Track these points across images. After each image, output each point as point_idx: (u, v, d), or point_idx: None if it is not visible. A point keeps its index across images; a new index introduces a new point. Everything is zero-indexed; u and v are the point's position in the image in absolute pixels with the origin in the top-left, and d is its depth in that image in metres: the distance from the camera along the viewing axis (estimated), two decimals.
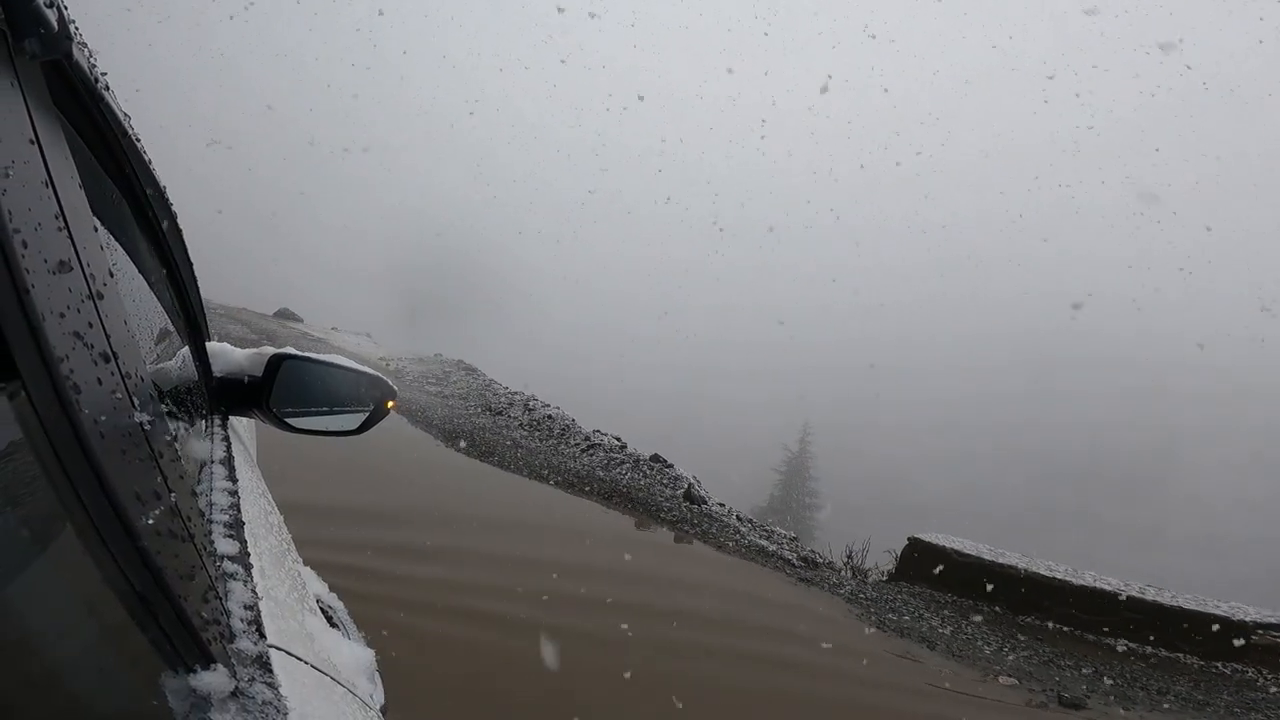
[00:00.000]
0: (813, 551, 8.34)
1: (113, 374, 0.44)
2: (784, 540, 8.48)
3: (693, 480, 9.26)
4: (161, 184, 0.96)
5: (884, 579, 7.98)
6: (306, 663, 0.77)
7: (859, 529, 9.01)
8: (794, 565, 7.34)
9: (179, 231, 1.13)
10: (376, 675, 1.31)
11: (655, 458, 9.86)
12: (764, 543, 7.90)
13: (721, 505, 9.00)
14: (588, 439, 10.33)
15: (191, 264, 1.28)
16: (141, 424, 0.48)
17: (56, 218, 0.41)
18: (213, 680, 0.50)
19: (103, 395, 0.42)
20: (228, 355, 1.48)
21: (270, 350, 1.48)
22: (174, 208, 1.05)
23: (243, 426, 1.75)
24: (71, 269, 0.41)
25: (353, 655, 1.03)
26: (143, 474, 0.46)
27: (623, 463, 9.55)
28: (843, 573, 7.81)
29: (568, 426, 10.82)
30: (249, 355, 1.49)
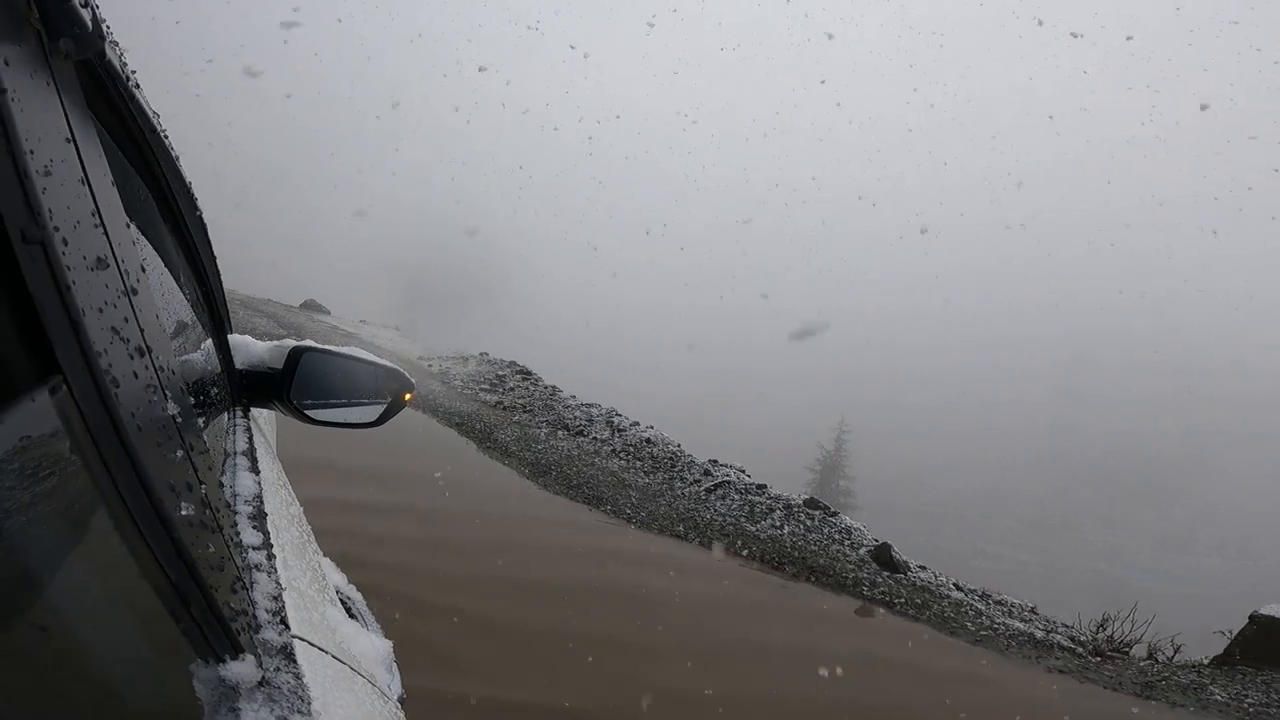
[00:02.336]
0: (1064, 625, 6.63)
1: (148, 368, 0.45)
2: (1027, 614, 6.64)
3: (866, 533, 7.53)
4: (188, 180, 0.97)
5: (1204, 663, 6.17)
6: (328, 653, 0.78)
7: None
8: (1079, 654, 5.63)
9: (204, 227, 1.14)
10: (394, 666, 1.33)
11: (811, 502, 8.03)
12: (1018, 624, 6.06)
13: (923, 568, 7.17)
14: (707, 473, 8.39)
15: (215, 258, 1.29)
16: (174, 416, 0.49)
17: (93, 215, 0.42)
18: (241, 670, 0.51)
19: (139, 389, 0.43)
20: (249, 348, 1.50)
21: (290, 343, 1.50)
22: (199, 203, 1.06)
23: (263, 418, 1.77)
24: (108, 266, 0.42)
25: (371, 646, 1.04)
26: (176, 466, 0.47)
27: (771, 510, 7.58)
28: (1145, 660, 5.94)
29: (675, 454, 8.91)
30: (270, 348, 1.51)
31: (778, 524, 7.38)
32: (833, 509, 7.98)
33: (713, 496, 7.87)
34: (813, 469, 40.17)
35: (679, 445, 9.28)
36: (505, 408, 10.56)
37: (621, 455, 8.94)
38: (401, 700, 1.19)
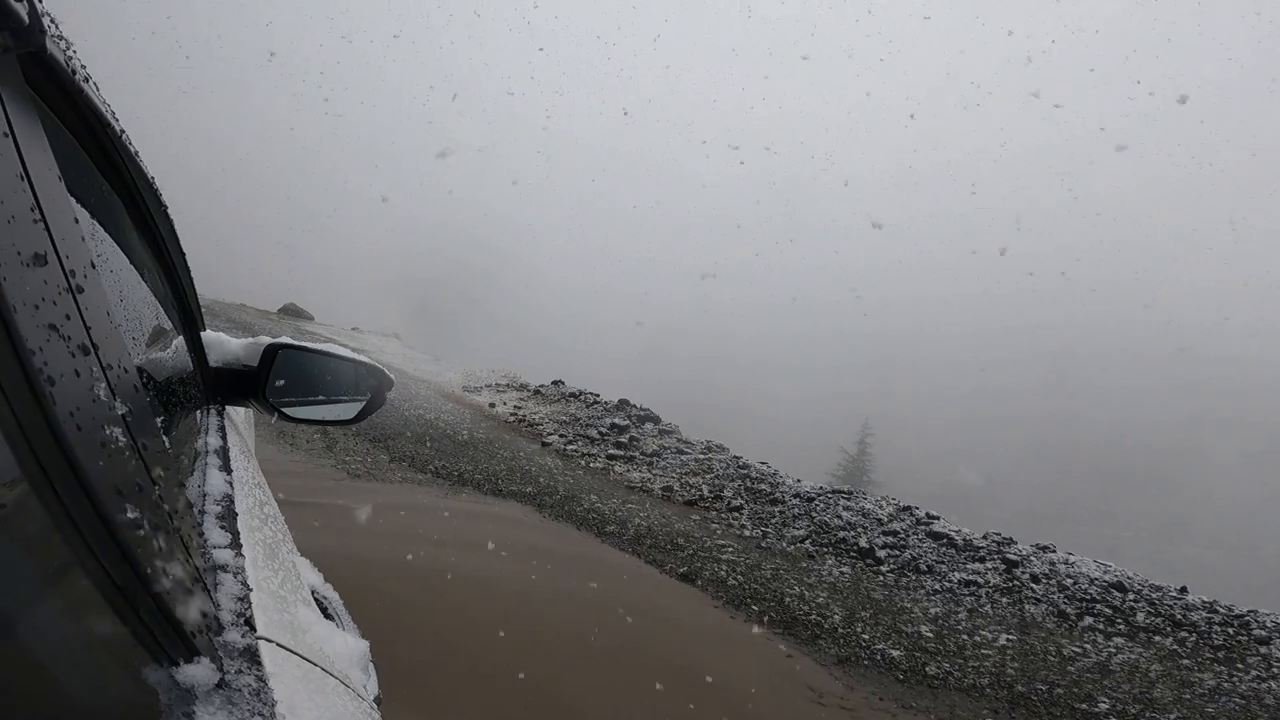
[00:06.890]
0: None
1: (92, 366, 0.44)
2: None
3: None
4: (150, 174, 0.95)
5: None
6: (297, 654, 0.77)
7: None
8: None
9: (170, 221, 1.12)
10: (371, 667, 1.32)
11: None
12: None
13: None
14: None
15: (184, 254, 1.28)
16: (124, 416, 0.48)
17: (32, 210, 0.41)
18: (196, 673, 0.51)
19: (80, 387, 0.41)
20: (224, 345, 1.48)
21: (266, 339, 1.49)
22: (163, 197, 1.05)
23: (240, 417, 1.75)
24: (47, 262, 0.41)
25: (347, 647, 1.03)
26: (124, 466, 0.46)
27: None
28: None
29: (1193, 626, 5.23)
30: (245, 345, 1.49)
31: None
32: None
33: None
34: (834, 474, 39.99)
35: (1168, 587, 5.78)
36: (687, 502, 6.82)
37: (1107, 632, 4.96)
38: (378, 701, 1.18)
